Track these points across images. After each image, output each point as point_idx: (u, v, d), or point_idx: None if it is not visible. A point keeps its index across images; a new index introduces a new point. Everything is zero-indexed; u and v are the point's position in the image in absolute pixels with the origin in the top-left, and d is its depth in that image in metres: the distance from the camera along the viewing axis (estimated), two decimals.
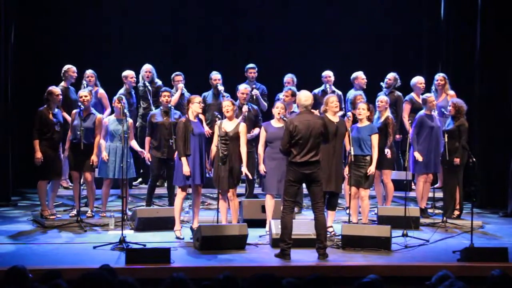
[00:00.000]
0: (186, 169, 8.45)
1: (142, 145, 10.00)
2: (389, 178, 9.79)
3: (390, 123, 9.70)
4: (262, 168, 8.90)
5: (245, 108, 9.81)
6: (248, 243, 8.21)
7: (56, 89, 9.48)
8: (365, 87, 11.06)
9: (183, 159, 8.48)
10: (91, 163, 9.38)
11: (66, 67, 10.69)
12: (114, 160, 9.45)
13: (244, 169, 8.77)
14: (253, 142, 9.67)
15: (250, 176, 8.91)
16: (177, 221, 8.66)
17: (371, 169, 8.96)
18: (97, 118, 9.53)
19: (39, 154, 9.25)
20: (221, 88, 10.69)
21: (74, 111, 9.53)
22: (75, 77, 10.73)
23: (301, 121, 7.68)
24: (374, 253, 8.00)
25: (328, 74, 11.22)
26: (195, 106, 8.69)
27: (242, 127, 8.86)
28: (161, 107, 9.87)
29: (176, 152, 8.67)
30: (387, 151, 9.66)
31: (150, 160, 9.79)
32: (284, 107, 8.99)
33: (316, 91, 11.07)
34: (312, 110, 7.98)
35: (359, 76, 11.10)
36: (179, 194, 8.66)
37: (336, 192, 8.83)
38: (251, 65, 11.27)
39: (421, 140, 9.88)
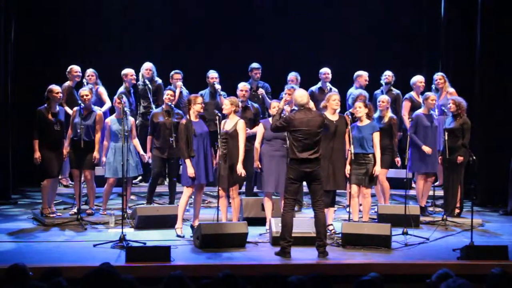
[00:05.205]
0: (190, 171, 8.45)
1: (142, 143, 9.96)
2: (384, 177, 9.75)
3: (395, 123, 9.70)
4: (257, 164, 8.89)
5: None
6: (248, 241, 8.21)
7: (56, 87, 9.43)
8: (365, 87, 11.03)
9: (187, 161, 8.47)
10: (92, 160, 9.38)
11: (69, 67, 10.69)
12: (121, 159, 9.30)
13: (239, 166, 8.72)
14: (252, 140, 9.64)
15: (243, 174, 8.80)
16: (180, 219, 8.67)
17: (377, 169, 8.92)
18: (97, 114, 9.53)
19: (37, 154, 9.24)
20: (218, 86, 10.66)
21: (75, 108, 9.53)
22: (78, 76, 10.68)
23: (300, 117, 7.69)
24: (374, 251, 8.01)
25: (326, 71, 11.17)
26: (197, 107, 8.68)
27: (240, 124, 8.84)
28: (163, 106, 9.86)
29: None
30: (398, 160, 9.67)
31: (152, 159, 9.77)
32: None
33: (313, 88, 11.07)
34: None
35: (363, 75, 11.02)
36: (186, 192, 8.65)
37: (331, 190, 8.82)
38: (255, 65, 11.19)
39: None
